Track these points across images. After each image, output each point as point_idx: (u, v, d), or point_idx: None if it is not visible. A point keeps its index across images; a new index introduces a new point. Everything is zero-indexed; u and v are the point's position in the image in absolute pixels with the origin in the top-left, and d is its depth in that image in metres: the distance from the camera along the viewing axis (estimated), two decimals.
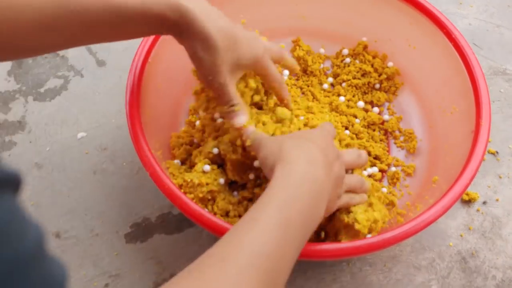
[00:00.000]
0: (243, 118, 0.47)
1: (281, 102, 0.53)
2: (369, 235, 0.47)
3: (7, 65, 0.69)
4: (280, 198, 0.36)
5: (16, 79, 0.68)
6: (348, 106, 0.62)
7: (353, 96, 0.63)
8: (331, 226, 0.49)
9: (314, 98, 0.63)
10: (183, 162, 0.55)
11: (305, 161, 0.39)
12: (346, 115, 0.61)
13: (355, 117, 0.61)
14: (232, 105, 0.47)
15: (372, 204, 0.48)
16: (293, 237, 0.35)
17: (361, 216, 0.46)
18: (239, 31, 0.45)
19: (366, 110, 0.62)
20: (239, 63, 0.45)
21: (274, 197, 0.36)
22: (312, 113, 0.57)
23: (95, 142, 0.61)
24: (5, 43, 0.39)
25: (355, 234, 0.46)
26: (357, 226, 0.46)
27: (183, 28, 0.43)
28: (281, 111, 0.50)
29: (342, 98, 0.62)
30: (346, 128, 0.60)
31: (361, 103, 0.62)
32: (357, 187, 0.47)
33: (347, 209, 0.47)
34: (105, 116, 0.64)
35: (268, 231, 0.34)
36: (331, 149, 0.43)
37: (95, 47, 0.71)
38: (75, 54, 0.70)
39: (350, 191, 0.47)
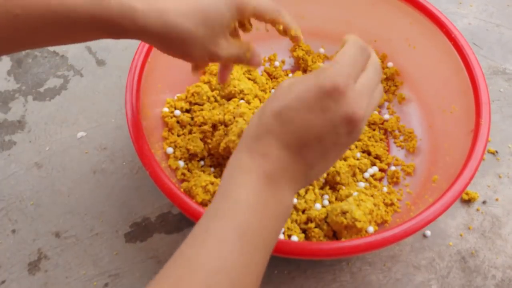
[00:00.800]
0: (258, 59, 0.45)
1: (289, 32, 0.45)
2: (370, 228, 0.48)
3: (6, 64, 0.69)
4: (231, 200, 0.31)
5: (16, 79, 0.68)
6: None
7: None
8: (329, 229, 0.49)
9: None
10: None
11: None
12: None
13: None
14: (240, 56, 0.43)
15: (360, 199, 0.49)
16: (256, 239, 0.30)
17: (357, 213, 0.47)
18: None
19: None
20: (219, 29, 0.40)
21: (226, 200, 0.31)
22: None
23: (95, 142, 0.61)
24: None
25: (358, 231, 0.47)
26: (358, 225, 0.46)
27: (140, 34, 0.38)
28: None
29: None
30: None
31: None
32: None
33: (342, 211, 0.47)
34: (105, 116, 0.64)
35: (223, 242, 0.29)
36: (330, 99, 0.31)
37: (94, 46, 0.71)
38: (75, 54, 0.70)
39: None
